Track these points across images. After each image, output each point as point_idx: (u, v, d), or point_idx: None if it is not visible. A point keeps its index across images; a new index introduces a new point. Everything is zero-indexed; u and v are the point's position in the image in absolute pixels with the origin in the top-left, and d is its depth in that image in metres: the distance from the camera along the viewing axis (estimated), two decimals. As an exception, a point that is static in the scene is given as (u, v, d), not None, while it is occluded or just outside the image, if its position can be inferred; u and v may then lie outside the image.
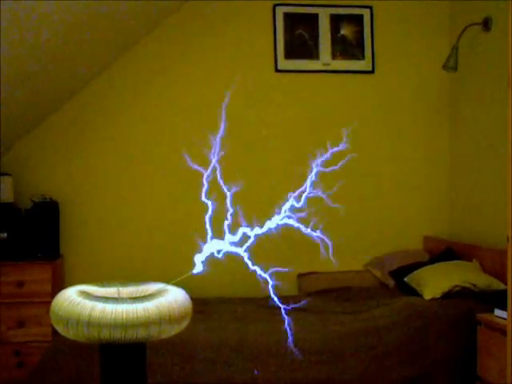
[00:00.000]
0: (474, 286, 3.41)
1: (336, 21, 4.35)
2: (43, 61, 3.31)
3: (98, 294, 1.97)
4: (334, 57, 4.36)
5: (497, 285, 3.40)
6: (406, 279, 3.76)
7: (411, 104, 4.44)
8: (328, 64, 4.35)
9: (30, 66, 3.25)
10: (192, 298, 2.03)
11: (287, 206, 2.20)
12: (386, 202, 4.39)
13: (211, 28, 4.26)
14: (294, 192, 2.26)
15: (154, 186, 4.23)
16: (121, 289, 2.07)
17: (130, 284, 2.11)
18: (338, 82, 4.38)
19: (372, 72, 4.39)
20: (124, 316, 1.79)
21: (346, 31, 4.38)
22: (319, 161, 2.43)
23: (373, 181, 4.40)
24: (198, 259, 2.08)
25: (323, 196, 2.28)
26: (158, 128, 4.24)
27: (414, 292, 3.61)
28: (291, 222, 2.20)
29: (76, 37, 3.32)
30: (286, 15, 4.29)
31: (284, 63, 4.31)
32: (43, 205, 3.86)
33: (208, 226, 2.13)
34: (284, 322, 3.35)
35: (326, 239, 2.36)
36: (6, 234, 3.75)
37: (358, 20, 4.37)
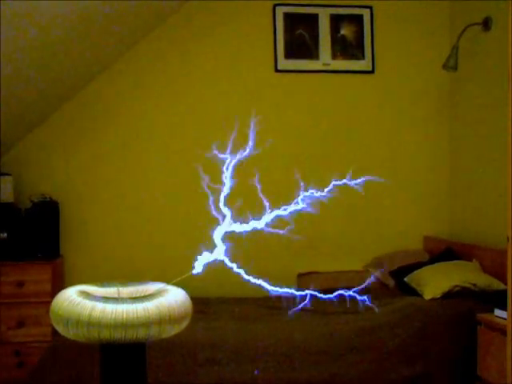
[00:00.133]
0: (474, 285, 3.41)
1: (336, 21, 4.35)
2: (43, 61, 3.31)
3: (98, 294, 1.97)
4: (334, 57, 4.36)
5: (497, 285, 3.40)
6: (406, 279, 3.76)
7: (411, 104, 4.44)
8: (328, 64, 4.35)
9: (30, 66, 3.25)
10: (192, 298, 2.03)
11: (292, 208, 2.19)
12: (386, 202, 4.39)
13: (211, 28, 4.26)
14: (293, 191, 2.27)
15: (153, 186, 4.23)
16: (121, 289, 2.07)
17: (130, 284, 2.11)
18: (338, 82, 4.38)
19: (372, 72, 4.39)
20: (124, 316, 1.79)
21: (345, 31, 4.38)
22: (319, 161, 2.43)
23: (372, 180, 4.40)
24: (200, 260, 2.08)
25: (323, 196, 2.27)
26: (157, 128, 4.25)
27: (414, 292, 3.62)
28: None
29: (76, 37, 3.32)
30: (286, 15, 4.30)
31: (284, 63, 4.31)
32: (43, 205, 3.86)
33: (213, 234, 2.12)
34: (283, 322, 3.35)
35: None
36: (5, 234, 3.75)
37: (358, 20, 4.37)
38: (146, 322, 1.81)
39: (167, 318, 1.85)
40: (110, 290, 2.06)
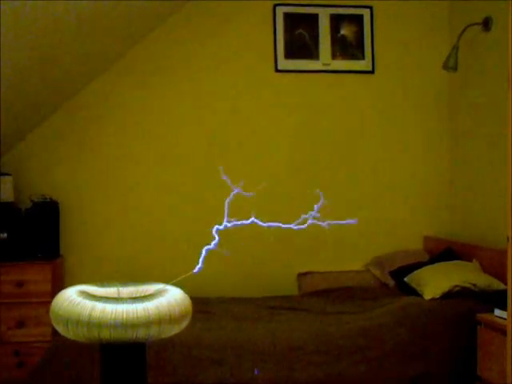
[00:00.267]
0: (474, 285, 3.41)
1: (336, 21, 4.35)
2: (43, 61, 3.31)
3: (98, 294, 1.97)
4: (334, 57, 4.35)
5: (497, 285, 3.40)
6: (406, 279, 3.76)
7: (411, 104, 4.44)
8: (328, 64, 4.34)
9: (30, 66, 3.25)
10: (192, 298, 2.03)
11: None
12: (385, 202, 4.39)
13: (211, 28, 4.26)
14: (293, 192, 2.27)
15: (153, 186, 4.23)
16: (121, 289, 2.08)
17: (130, 284, 2.11)
18: (338, 82, 4.38)
19: (372, 72, 4.39)
20: (124, 316, 1.79)
21: (345, 31, 4.38)
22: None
23: (372, 180, 4.40)
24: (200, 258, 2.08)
25: (321, 196, 2.28)
26: (157, 128, 4.24)
27: (414, 292, 3.61)
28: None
29: (76, 37, 3.32)
30: (286, 15, 4.29)
31: (284, 63, 4.30)
32: (43, 205, 3.86)
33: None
34: (283, 322, 3.35)
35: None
36: (5, 234, 3.74)
37: (358, 20, 4.37)
38: (146, 322, 1.81)
39: (167, 318, 1.85)
40: (110, 290, 2.06)
